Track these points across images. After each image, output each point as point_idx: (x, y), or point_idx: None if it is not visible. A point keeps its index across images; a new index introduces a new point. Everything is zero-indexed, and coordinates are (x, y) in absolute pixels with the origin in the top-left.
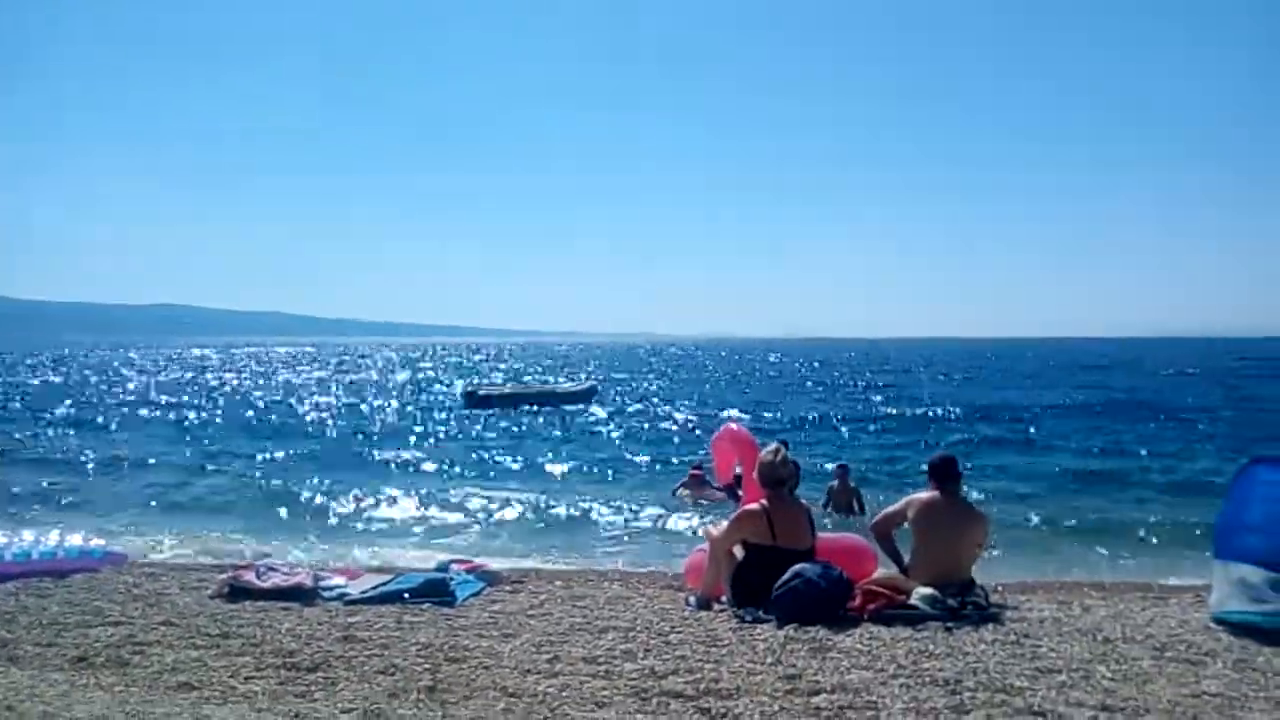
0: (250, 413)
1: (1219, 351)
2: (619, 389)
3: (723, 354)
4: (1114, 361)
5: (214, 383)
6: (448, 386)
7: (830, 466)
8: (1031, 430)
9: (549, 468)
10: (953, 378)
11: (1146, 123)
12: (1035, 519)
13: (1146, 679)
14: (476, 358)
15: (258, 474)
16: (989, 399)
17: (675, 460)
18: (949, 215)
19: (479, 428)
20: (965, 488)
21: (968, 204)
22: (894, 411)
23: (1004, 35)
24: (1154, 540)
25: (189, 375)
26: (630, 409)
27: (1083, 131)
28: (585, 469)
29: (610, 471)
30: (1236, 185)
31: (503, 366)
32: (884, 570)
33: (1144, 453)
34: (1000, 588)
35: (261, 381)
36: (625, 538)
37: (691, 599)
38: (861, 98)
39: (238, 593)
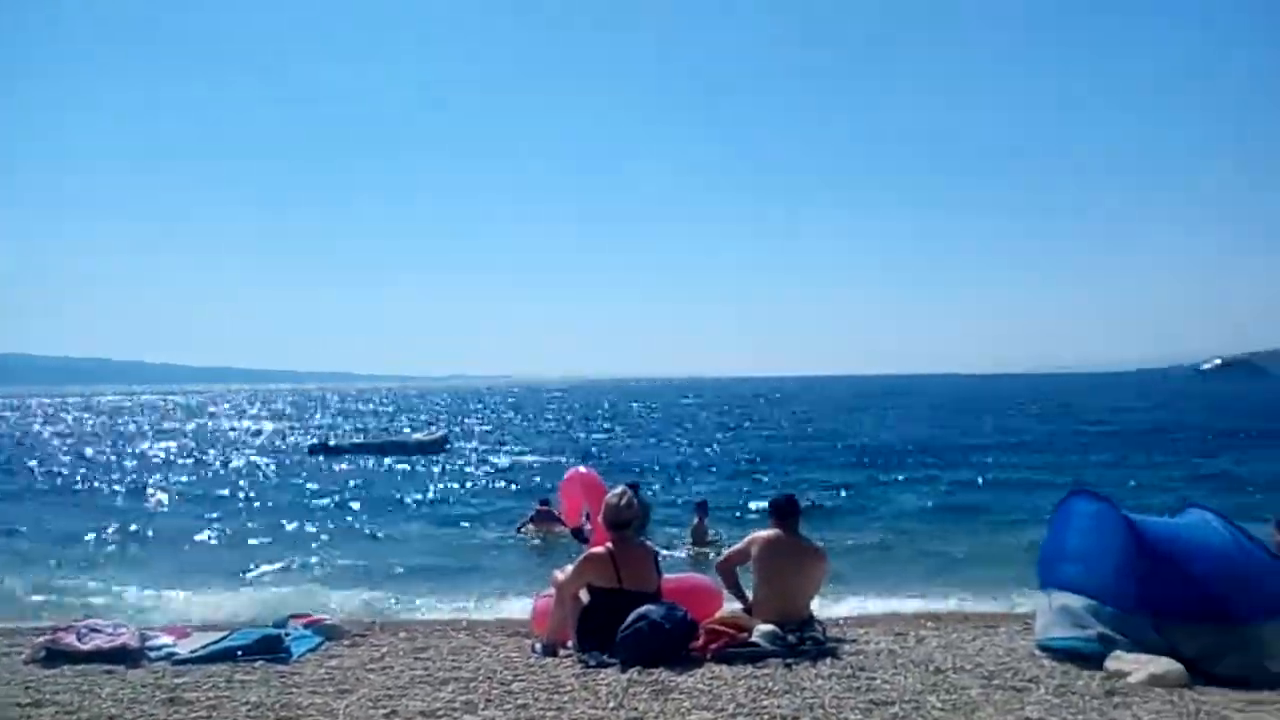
0: (56, 470)
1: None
2: (478, 436)
3: (591, 395)
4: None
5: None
6: (297, 436)
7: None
8: (874, 467)
9: (390, 520)
10: (805, 412)
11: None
12: (876, 553)
13: (975, 707)
14: (309, 405)
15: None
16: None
17: (510, 507)
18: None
19: (322, 480)
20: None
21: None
22: (747, 456)
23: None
24: (983, 570)
25: None
26: (484, 459)
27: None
28: (430, 518)
29: (454, 518)
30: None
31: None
32: (729, 608)
33: (979, 484)
34: (840, 622)
35: (78, 437)
36: (468, 586)
37: (538, 645)
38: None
39: (55, 656)
